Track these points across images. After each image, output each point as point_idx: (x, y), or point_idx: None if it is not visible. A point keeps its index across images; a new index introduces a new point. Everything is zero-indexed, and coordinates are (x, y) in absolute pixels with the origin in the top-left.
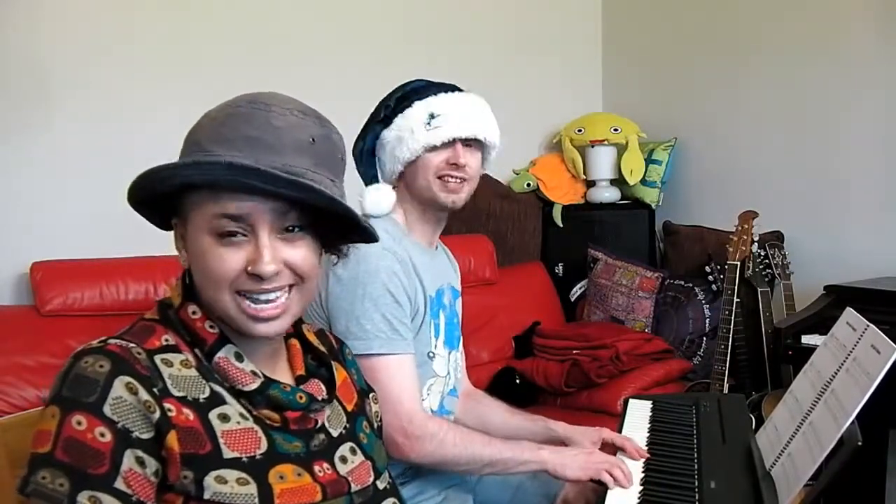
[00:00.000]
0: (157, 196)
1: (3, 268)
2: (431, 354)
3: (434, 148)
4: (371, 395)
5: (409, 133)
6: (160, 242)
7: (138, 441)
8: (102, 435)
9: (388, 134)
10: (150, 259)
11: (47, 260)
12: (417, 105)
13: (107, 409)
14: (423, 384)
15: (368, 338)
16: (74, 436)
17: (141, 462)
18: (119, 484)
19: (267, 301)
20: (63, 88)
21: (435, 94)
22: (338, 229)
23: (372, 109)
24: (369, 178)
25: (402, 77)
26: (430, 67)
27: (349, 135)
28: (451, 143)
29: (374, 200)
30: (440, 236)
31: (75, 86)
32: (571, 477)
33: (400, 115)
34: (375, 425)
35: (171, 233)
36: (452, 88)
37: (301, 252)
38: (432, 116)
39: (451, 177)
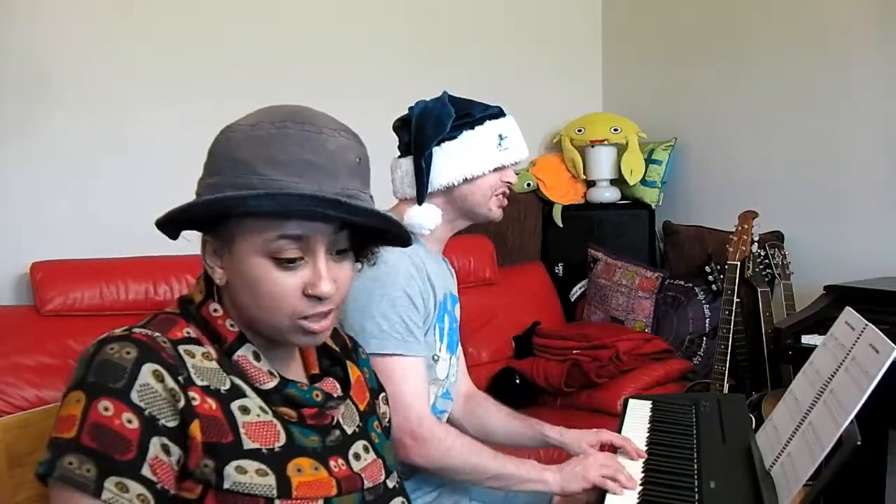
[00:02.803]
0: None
1: (3, 268)
2: (436, 357)
3: (499, 168)
4: (381, 396)
5: (479, 150)
6: (160, 243)
7: (164, 429)
8: (130, 421)
9: (452, 147)
10: (150, 259)
11: (47, 260)
12: (489, 124)
13: (134, 396)
14: None
15: (384, 337)
16: (102, 421)
17: (166, 450)
18: (145, 471)
19: (322, 318)
20: (62, 88)
21: (503, 116)
22: (376, 242)
23: (370, 107)
24: (422, 194)
25: (401, 77)
26: (431, 68)
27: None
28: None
29: (426, 217)
30: None
31: (75, 86)
32: (577, 490)
33: (469, 130)
34: (384, 425)
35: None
36: (501, 109)
37: (347, 272)
38: (502, 138)
39: (503, 194)
